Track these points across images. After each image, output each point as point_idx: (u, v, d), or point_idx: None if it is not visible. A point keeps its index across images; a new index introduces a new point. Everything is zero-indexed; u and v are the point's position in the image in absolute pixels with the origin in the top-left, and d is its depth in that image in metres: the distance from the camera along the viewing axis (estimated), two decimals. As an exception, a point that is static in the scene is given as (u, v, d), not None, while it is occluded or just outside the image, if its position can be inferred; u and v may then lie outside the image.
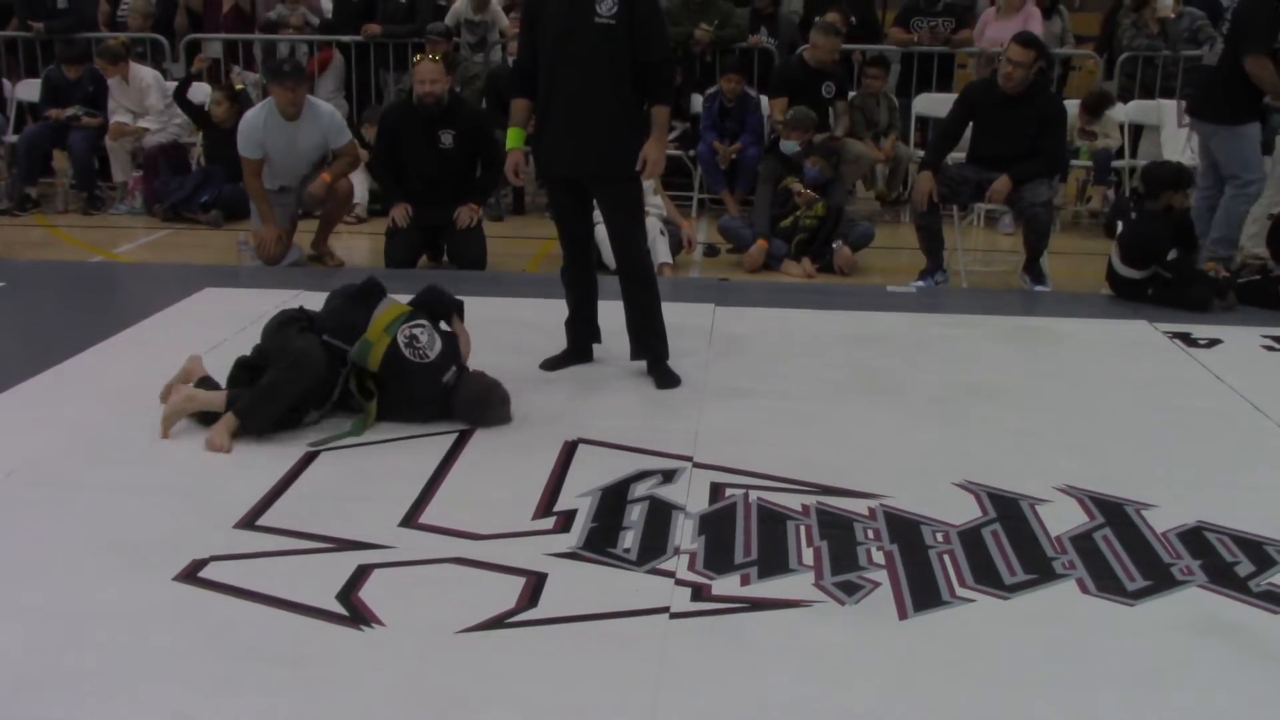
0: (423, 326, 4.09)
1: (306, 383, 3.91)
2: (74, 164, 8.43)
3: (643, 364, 4.66)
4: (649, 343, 4.63)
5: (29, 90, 8.83)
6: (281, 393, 3.88)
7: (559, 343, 4.77)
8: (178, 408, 3.95)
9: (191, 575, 2.98)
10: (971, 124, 6.50)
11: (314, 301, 5.57)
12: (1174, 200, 5.96)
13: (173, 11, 9.76)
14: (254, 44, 9.59)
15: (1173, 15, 8.83)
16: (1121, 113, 8.47)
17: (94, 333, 5.02)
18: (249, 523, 3.28)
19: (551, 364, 4.72)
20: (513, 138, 4.55)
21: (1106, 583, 3.05)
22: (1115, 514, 3.46)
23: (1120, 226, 6.17)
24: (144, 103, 8.32)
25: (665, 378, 4.58)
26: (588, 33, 4.28)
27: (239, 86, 8.60)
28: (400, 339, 4.01)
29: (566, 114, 4.38)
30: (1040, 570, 3.11)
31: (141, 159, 8.35)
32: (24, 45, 9.34)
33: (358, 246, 7.27)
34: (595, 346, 4.83)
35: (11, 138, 8.61)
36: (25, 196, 8.41)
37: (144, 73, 8.38)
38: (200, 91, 8.40)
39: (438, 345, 4.07)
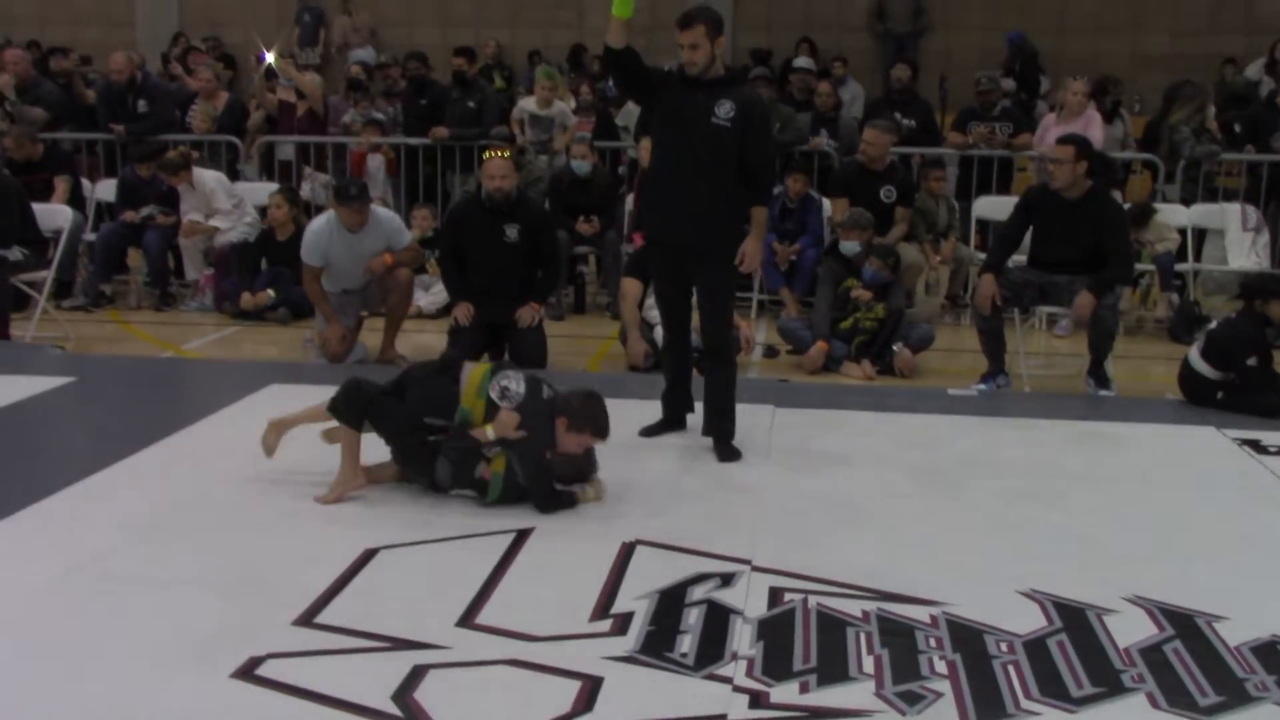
0: (508, 376, 4.25)
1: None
2: (149, 261, 8.65)
3: (705, 456, 4.81)
4: (718, 423, 4.97)
5: (107, 190, 9.12)
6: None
7: (621, 439, 4.75)
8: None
9: (248, 672, 2.98)
10: (1032, 228, 6.50)
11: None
12: (1269, 309, 5.87)
13: (242, 115, 10.07)
14: (326, 146, 9.86)
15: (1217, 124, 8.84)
16: (1185, 216, 8.44)
17: (162, 427, 5.11)
18: (307, 619, 3.29)
19: (649, 431, 5.13)
20: (619, 6, 4.65)
21: (1178, 698, 2.96)
22: (1186, 626, 3.37)
23: (1214, 324, 6.13)
24: (211, 205, 8.55)
25: (726, 452, 4.90)
26: (704, 130, 4.74)
27: (305, 196, 8.86)
28: (493, 395, 4.17)
29: (677, 192, 4.85)
30: (1108, 683, 3.03)
31: (212, 257, 8.56)
32: (105, 147, 9.68)
33: (422, 345, 7.36)
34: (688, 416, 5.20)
35: (90, 236, 8.87)
36: (100, 293, 8.65)
37: (206, 176, 8.61)
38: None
39: (523, 383, 4.21)
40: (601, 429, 4.29)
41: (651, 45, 4.93)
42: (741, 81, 5.10)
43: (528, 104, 9.66)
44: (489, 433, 4.13)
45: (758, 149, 4.84)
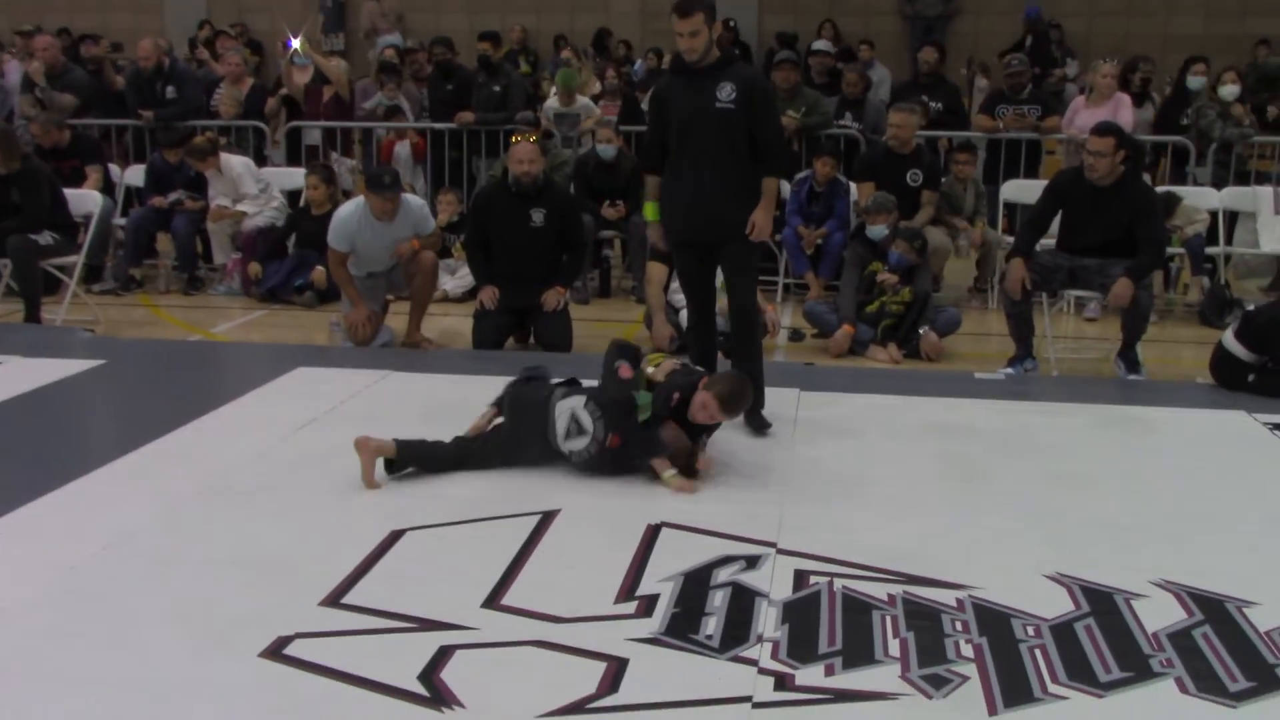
0: None
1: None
2: (177, 246, 8.71)
3: (730, 440, 4.73)
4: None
5: (136, 176, 9.18)
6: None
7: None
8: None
9: (276, 652, 3.00)
10: (1061, 213, 6.44)
11: (402, 382, 5.69)
12: None
13: (266, 100, 10.09)
14: (352, 131, 9.88)
15: (1243, 108, 8.69)
16: (1216, 199, 8.36)
17: (190, 409, 5.14)
18: (334, 600, 3.31)
19: None
20: (649, 211, 5.21)
21: (1207, 683, 2.94)
22: (1215, 611, 3.34)
23: (1251, 306, 6.07)
24: (238, 190, 8.59)
25: (757, 423, 4.94)
26: (709, 116, 4.81)
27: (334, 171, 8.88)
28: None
29: (691, 186, 4.92)
30: (1137, 668, 3.01)
31: (240, 242, 8.61)
32: (134, 132, 9.73)
33: (448, 329, 7.38)
34: None
35: (119, 221, 8.93)
36: (130, 277, 8.71)
37: (234, 161, 8.65)
38: None
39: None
40: (728, 400, 4.28)
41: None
42: (738, 61, 5.09)
43: (552, 104, 9.67)
44: (649, 367, 4.33)
45: (764, 124, 4.88)
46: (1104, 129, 6.27)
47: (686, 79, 4.90)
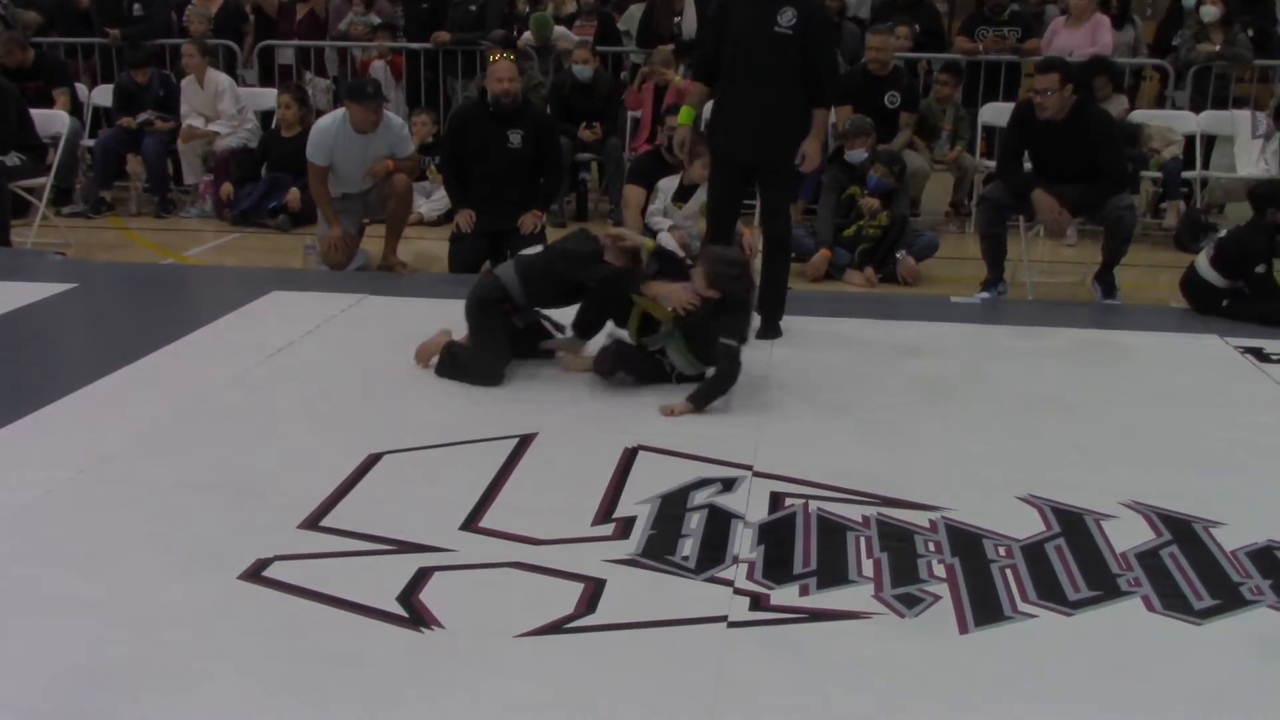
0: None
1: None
2: (147, 168, 8.60)
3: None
4: (771, 308, 5.30)
5: (104, 96, 9.03)
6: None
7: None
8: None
9: (256, 574, 3.02)
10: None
11: (378, 306, 5.67)
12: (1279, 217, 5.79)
13: (239, 17, 9.90)
14: (325, 50, 9.72)
15: (1220, 31, 8.61)
16: (1193, 123, 8.34)
17: (164, 333, 5.11)
18: (313, 523, 3.32)
19: None
20: (683, 114, 5.32)
21: (1173, 601, 3.00)
22: (1183, 531, 3.40)
23: (1223, 232, 6.04)
24: (216, 106, 8.46)
25: (769, 331, 5.26)
26: (767, 39, 4.91)
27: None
28: None
29: (740, 107, 5.04)
30: (1105, 587, 3.06)
31: (212, 163, 8.50)
32: (100, 51, 9.55)
33: (424, 252, 7.34)
34: None
35: (88, 142, 8.80)
36: (100, 199, 8.60)
37: (220, 77, 8.53)
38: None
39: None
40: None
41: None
42: None
43: (528, 37, 9.53)
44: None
45: (821, 53, 4.98)
46: (1047, 65, 6.14)
47: (751, 2, 4.96)
